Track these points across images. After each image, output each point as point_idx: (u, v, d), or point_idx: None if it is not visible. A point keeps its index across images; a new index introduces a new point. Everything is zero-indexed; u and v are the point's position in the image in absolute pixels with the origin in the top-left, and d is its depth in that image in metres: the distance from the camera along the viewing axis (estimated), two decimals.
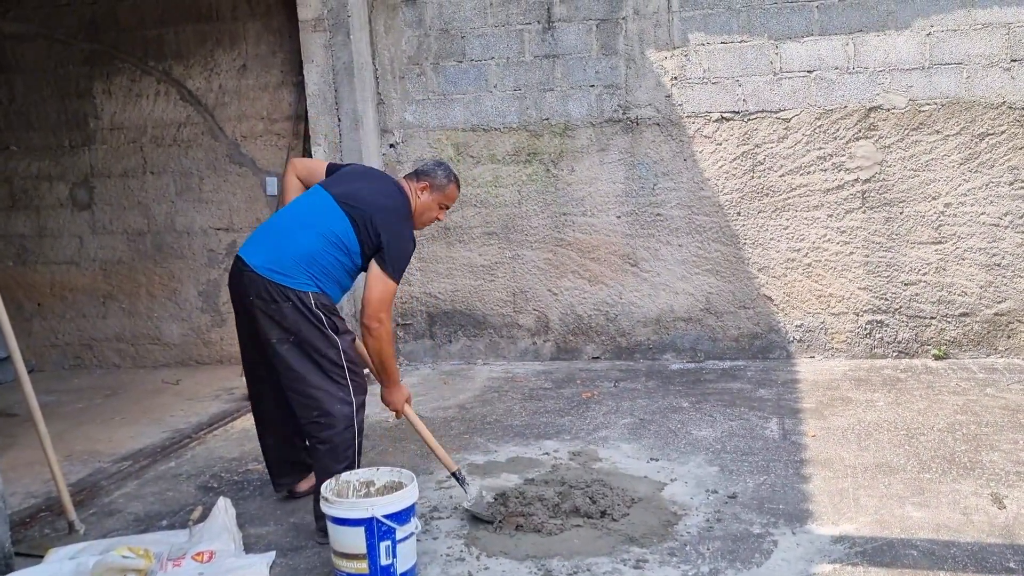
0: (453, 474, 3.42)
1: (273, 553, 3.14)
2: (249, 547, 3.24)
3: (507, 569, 2.94)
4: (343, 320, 3.35)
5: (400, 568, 2.80)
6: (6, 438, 4.82)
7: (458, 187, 3.56)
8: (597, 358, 5.76)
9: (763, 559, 2.91)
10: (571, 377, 5.41)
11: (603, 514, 3.28)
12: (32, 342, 6.49)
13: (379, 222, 3.25)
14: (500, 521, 3.26)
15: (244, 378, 3.75)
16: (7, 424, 5.18)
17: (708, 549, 3.00)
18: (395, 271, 3.27)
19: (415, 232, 3.47)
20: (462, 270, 5.89)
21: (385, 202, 3.35)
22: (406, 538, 2.80)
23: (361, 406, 3.28)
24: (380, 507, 2.73)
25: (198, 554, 3.11)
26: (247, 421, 4.85)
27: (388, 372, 3.36)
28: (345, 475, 3.01)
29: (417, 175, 3.52)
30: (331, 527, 2.78)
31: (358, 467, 3.27)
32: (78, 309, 6.47)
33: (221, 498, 3.36)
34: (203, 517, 3.38)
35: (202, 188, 6.15)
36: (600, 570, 2.89)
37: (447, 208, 3.59)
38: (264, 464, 3.74)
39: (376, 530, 2.73)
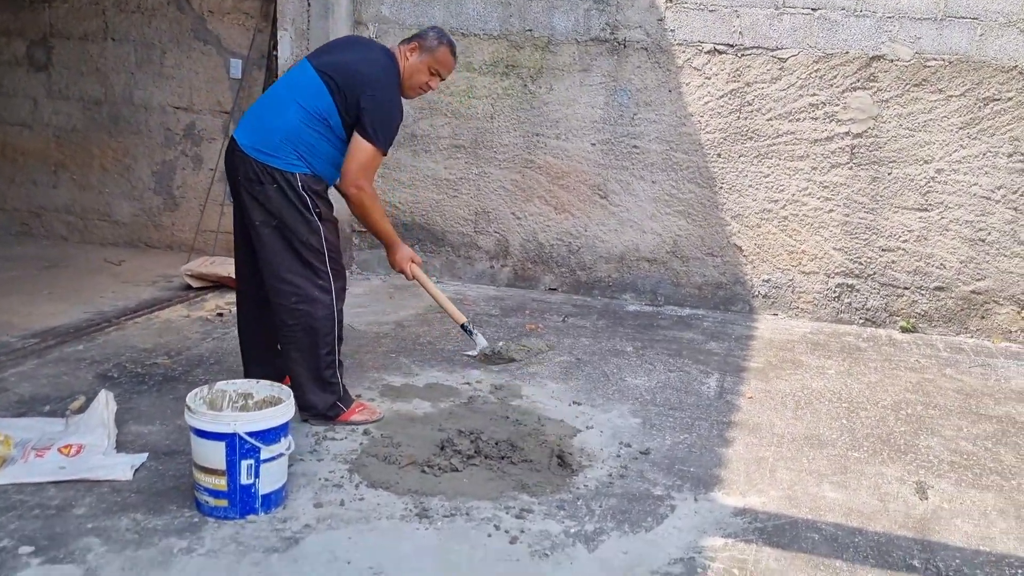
0: (462, 326, 3.67)
1: (145, 455, 2.96)
2: (126, 445, 3.05)
3: (383, 502, 2.76)
4: (330, 206, 3.23)
5: (263, 489, 2.61)
6: None
7: (452, 53, 3.36)
8: (554, 290, 5.52)
9: (654, 524, 2.72)
10: (522, 306, 5.18)
11: (503, 457, 3.08)
12: None
13: (359, 87, 3.10)
14: (393, 456, 3.07)
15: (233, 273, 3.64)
16: None
17: (600, 507, 2.80)
18: (377, 138, 3.14)
19: (405, 102, 3.35)
20: (425, 182, 5.60)
21: (368, 69, 3.17)
22: (273, 458, 2.61)
23: (340, 292, 3.26)
24: (244, 423, 2.53)
25: (66, 446, 2.93)
26: (175, 312, 4.67)
27: (382, 234, 3.46)
28: (221, 384, 2.80)
29: (408, 39, 3.36)
30: (192, 439, 2.58)
31: (339, 358, 3.27)
32: (28, 174, 6.21)
33: (103, 391, 3.17)
34: (84, 408, 3.20)
35: (164, 62, 5.82)
36: (479, 515, 2.70)
37: (440, 76, 3.39)
38: (170, 360, 3.59)
39: (238, 447, 2.53)
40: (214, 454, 2.55)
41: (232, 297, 4.94)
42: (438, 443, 3.16)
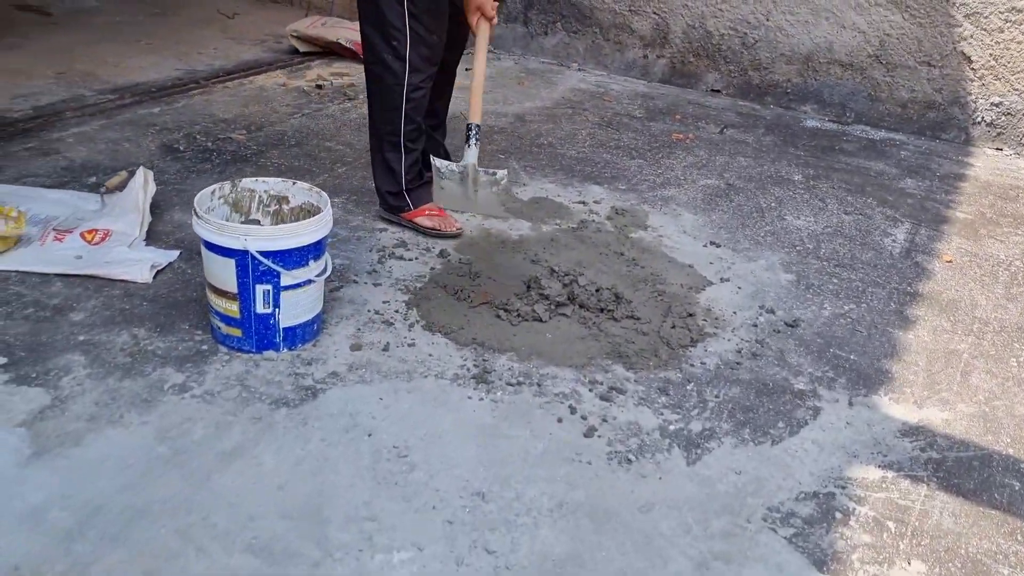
0: (468, 125, 2.69)
1: (176, 254, 2.48)
2: (161, 237, 2.58)
3: (437, 353, 2.17)
4: None
5: (285, 321, 2.07)
6: (17, 37, 4.26)
7: None
8: (717, 91, 4.55)
9: (785, 433, 2.01)
10: (673, 108, 4.28)
11: (602, 309, 2.40)
12: None
13: None
14: (465, 292, 2.45)
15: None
16: (33, 20, 4.61)
17: (717, 397, 2.11)
18: None
19: None
20: None
21: None
22: (297, 285, 2.04)
23: (420, 63, 2.57)
24: (258, 239, 1.95)
25: (90, 231, 2.49)
26: (272, 78, 4.10)
27: None
28: (248, 181, 2.21)
29: None
30: (202, 249, 2.04)
31: (408, 143, 2.67)
32: None
33: (141, 168, 2.67)
34: (123, 185, 2.73)
35: None
36: (553, 388, 2.08)
37: None
38: (247, 135, 3.07)
39: (252, 268, 1.97)
40: (224, 272, 2.00)
41: (340, 66, 4.32)
42: (525, 280, 2.50)
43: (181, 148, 3.23)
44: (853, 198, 3.40)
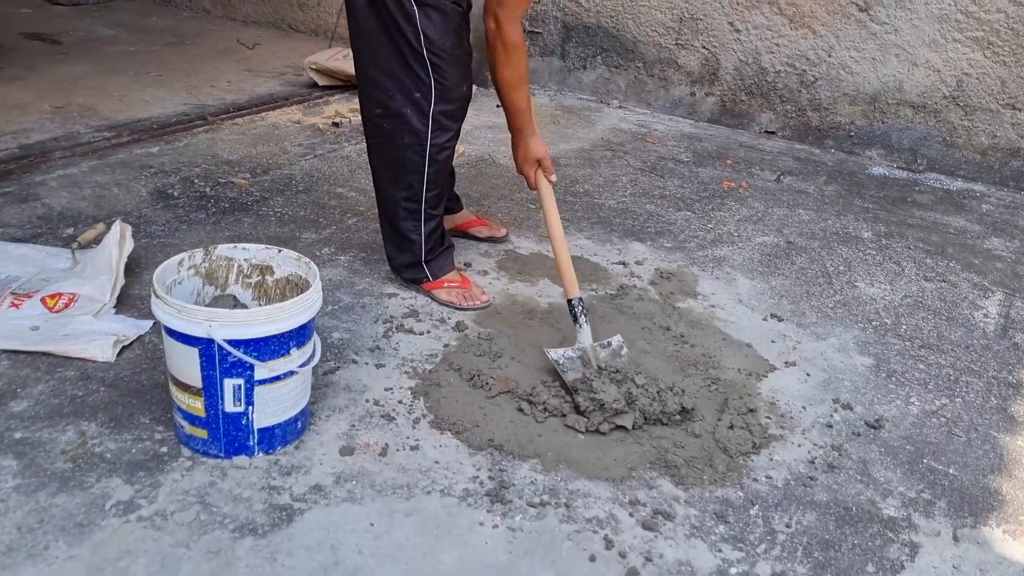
0: (568, 301, 2.17)
1: (148, 325, 2.13)
2: (134, 303, 2.24)
3: (445, 459, 1.79)
4: None
5: (261, 420, 1.70)
6: (20, 68, 4.00)
7: None
8: (771, 133, 4.15)
9: None
10: (723, 152, 3.89)
11: (648, 401, 2.00)
12: None
13: None
14: (484, 378, 2.06)
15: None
16: (41, 50, 4.36)
17: (788, 526, 1.70)
18: None
19: None
20: None
21: None
22: (276, 378, 1.68)
23: (444, 118, 2.19)
24: (224, 326, 1.59)
25: (53, 296, 2.17)
26: (287, 115, 3.78)
27: (511, 107, 2.27)
28: (226, 248, 1.85)
29: None
30: (164, 335, 1.68)
31: (428, 209, 2.29)
32: None
33: (118, 222, 2.34)
34: (99, 239, 2.40)
35: None
36: (585, 510, 1.68)
37: None
38: (251, 179, 2.77)
39: (219, 360, 1.61)
40: (186, 363, 1.64)
41: None
42: (572, 382, 2.11)
43: (175, 194, 2.91)
44: (933, 261, 2.97)
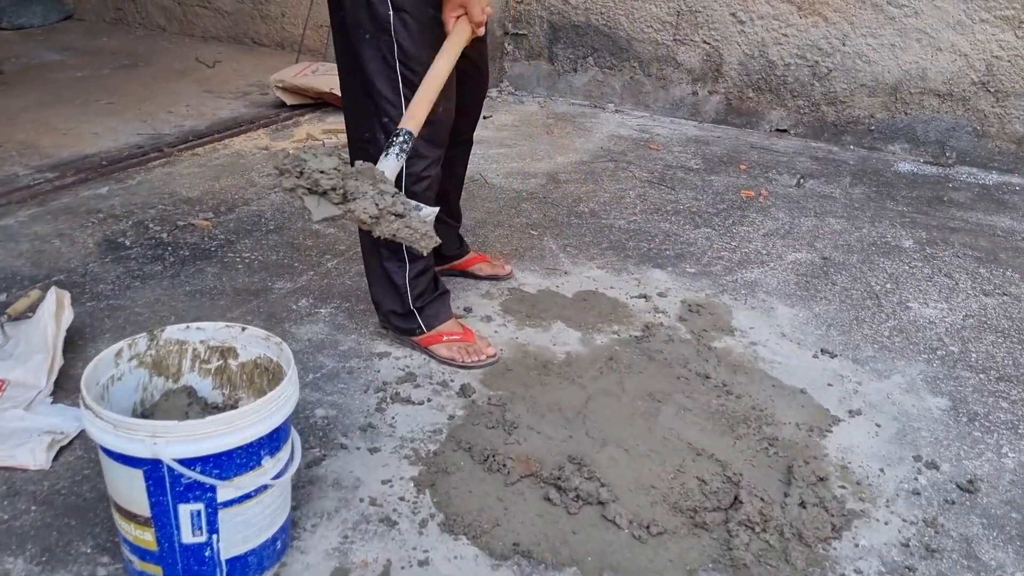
0: (396, 132, 1.61)
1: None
2: (79, 386, 1.87)
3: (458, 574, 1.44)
4: None
5: (229, 550, 1.35)
6: None
7: None
8: (783, 131, 3.83)
9: None
10: (734, 155, 3.56)
11: (698, 481, 1.66)
12: None
13: None
14: (500, 459, 1.72)
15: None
16: None
17: None
18: None
19: None
20: None
21: None
22: (246, 496, 1.32)
23: (416, 152, 1.81)
24: (173, 442, 1.23)
25: None
26: (253, 140, 3.43)
27: None
28: (176, 331, 1.49)
29: None
30: (100, 454, 1.32)
31: (407, 252, 1.93)
32: None
33: (53, 289, 1.98)
34: (34, 308, 2.04)
35: None
36: None
37: None
38: (214, 219, 2.41)
39: (170, 483, 1.26)
40: (129, 489, 1.29)
41: (335, 121, 3.65)
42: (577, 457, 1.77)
43: (127, 243, 2.54)
44: (987, 270, 2.65)
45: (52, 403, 1.81)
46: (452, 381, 1.96)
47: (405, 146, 1.60)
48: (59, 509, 1.53)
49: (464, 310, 2.26)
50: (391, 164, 1.57)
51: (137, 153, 3.22)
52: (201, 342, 1.50)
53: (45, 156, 3.13)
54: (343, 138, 3.47)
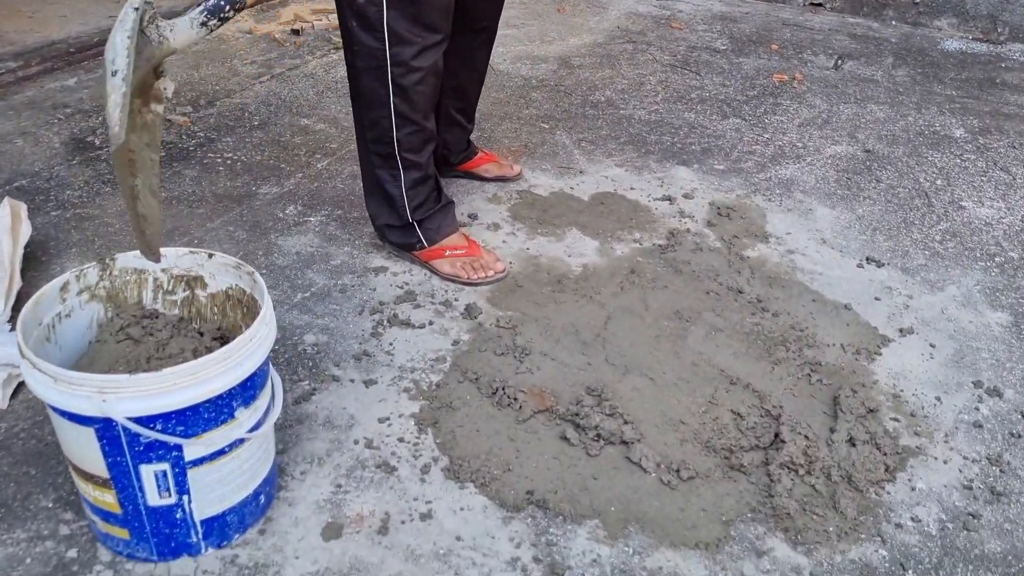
0: None
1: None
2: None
3: (469, 534, 1.28)
4: None
5: (203, 510, 1.18)
6: None
7: None
8: (818, 5, 3.49)
9: None
10: (765, 34, 3.24)
11: (734, 415, 1.48)
12: None
13: None
14: (511, 392, 1.53)
15: None
16: None
17: None
18: None
19: None
20: None
21: None
22: (220, 453, 1.14)
23: (401, 38, 1.57)
24: (125, 398, 1.04)
25: None
26: (236, 24, 3.11)
27: None
28: (131, 258, 1.28)
29: None
30: (47, 408, 1.14)
31: (400, 159, 1.72)
32: None
33: (7, 200, 1.76)
34: None
35: None
36: None
37: None
38: (192, 114, 2.19)
39: (128, 443, 1.08)
40: (83, 448, 1.11)
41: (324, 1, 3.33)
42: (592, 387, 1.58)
43: (97, 143, 2.30)
44: None
45: (11, 331, 1.62)
46: (456, 300, 1.76)
47: (221, 12, 1.27)
48: (17, 456, 1.36)
49: (468, 217, 2.04)
50: (184, 28, 1.24)
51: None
52: (163, 270, 1.29)
53: (8, 43, 2.85)
54: (334, 19, 3.17)
